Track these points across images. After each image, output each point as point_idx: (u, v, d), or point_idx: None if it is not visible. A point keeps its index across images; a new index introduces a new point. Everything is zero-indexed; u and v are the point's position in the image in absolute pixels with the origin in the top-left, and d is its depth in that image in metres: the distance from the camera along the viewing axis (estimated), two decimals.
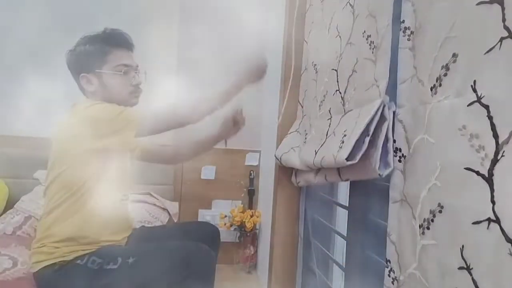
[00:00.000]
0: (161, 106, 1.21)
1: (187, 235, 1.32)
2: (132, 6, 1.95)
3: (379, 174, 0.78)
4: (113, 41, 1.22)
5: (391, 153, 0.77)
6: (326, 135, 1.06)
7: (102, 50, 1.20)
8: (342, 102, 1.04)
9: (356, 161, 0.82)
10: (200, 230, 1.40)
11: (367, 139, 0.80)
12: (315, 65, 1.34)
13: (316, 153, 1.06)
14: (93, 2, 1.99)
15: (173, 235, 1.35)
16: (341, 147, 0.88)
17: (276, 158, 1.51)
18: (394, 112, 0.78)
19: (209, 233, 1.40)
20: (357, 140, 0.82)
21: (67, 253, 1.12)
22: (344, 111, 1.02)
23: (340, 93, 1.06)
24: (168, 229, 1.46)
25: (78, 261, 1.11)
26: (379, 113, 0.79)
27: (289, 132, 1.52)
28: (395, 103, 0.78)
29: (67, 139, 1.14)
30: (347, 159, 0.83)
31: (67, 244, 1.12)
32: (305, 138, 1.29)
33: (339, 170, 0.99)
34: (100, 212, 1.15)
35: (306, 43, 1.48)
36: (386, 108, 0.79)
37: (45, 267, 1.11)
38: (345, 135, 0.90)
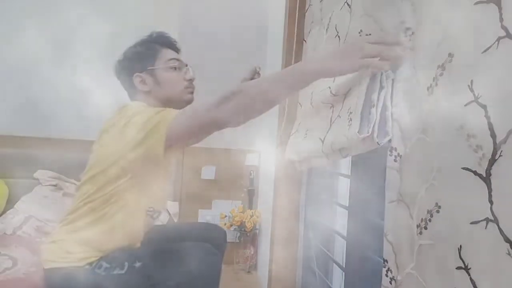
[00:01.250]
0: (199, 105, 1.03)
1: (195, 236, 1.32)
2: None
3: (377, 143, 0.77)
4: (161, 41, 1.25)
5: (390, 121, 0.76)
6: (331, 121, 1.05)
7: (153, 48, 1.23)
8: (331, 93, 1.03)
9: (369, 133, 0.77)
10: (208, 231, 1.39)
11: (374, 110, 0.77)
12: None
13: (323, 141, 1.04)
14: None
15: (181, 235, 1.34)
16: (350, 125, 0.85)
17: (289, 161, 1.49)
18: (392, 80, 0.77)
19: (217, 235, 1.40)
20: (363, 113, 0.80)
21: (80, 259, 1.09)
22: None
23: (330, 88, 1.05)
24: (177, 229, 1.44)
25: (87, 266, 1.09)
26: (378, 81, 0.78)
27: (290, 134, 1.52)
28: (391, 99, 0.78)
29: (106, 143, 1.13)
30: (359, 132, 0.79)
31: (83, 249, 1.10)
32: (305, 135, 1.29)
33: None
34: (122, 224, 1.13)
35: (305, 42, 1.48)
36: (383, 76, 0.77)
37: (55, 267, 1.09)
38: (351, 113, 0.87)
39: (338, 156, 0.99)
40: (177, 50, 1.29)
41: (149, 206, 1.21)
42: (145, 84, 1.21)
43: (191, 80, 1.25)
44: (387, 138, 0.76)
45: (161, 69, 1.21)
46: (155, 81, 1.21)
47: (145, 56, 1.21)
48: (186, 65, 1.28)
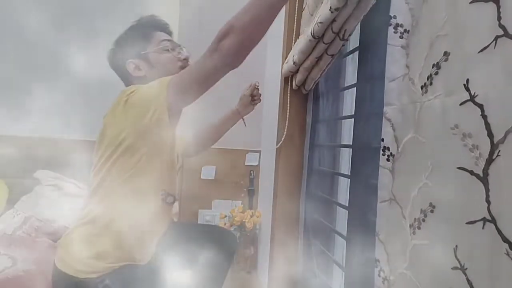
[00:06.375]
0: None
1: (208, 240, 1.27)
2: None
3: None
4: (152, 25, 1.21)
5: None
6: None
7: (144, 33, 1.19)
8: None
9: None
10: (221, 238, 1.33)
11: None
12: (294, 62, 1.37)
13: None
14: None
15: (195, 238, 1.29)
16: None
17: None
18: None
19: (228, 243, 1.34)
20: None
21: (88, 272, 1.01)
22: None
23: None
24: (193, 230, 1.38)
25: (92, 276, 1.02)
26: None
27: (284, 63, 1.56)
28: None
29: (111, 125, 1.07)
30: None
31: (93, 262, 1.02)
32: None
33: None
34: (141, 220, 1.05)
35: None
36: None
37: (62, 271, 1.03)
38: None
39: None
40: (169, 32, 1.24)
41: (162, 189, 1.11)
42: (139, 69, 1.16)
43: (186, 60, 1.20)
44: None
45: (154, 52, 1.16)
46: (149, 65, 1.16)
47: (136, 41, 1.17)
48: (179, 45, 1.23)
